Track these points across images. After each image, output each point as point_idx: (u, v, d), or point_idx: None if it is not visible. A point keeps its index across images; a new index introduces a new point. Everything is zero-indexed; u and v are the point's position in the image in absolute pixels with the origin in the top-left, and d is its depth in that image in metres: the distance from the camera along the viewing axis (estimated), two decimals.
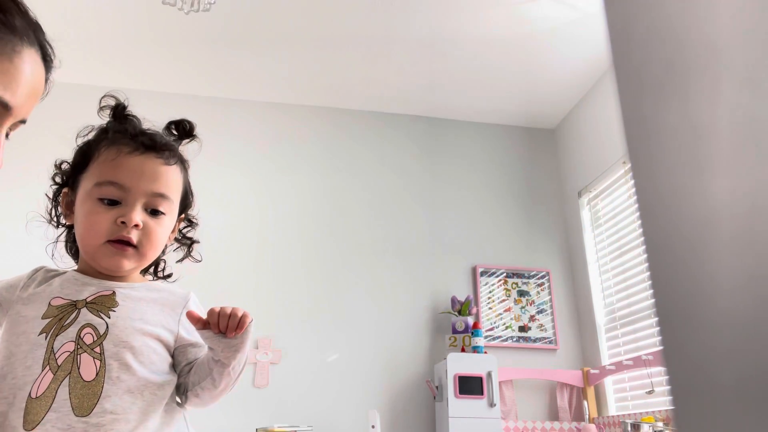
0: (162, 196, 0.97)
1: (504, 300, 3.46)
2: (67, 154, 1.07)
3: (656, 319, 0.31)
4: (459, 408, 2.81)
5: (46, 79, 0.82)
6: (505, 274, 3.51)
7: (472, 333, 3.11)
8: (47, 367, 0.85)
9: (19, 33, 0.71)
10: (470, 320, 3.18)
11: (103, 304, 0.92)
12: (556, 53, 3.26)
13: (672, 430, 2.31)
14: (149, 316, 0.94)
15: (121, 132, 0.99)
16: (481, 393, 2.85)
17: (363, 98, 3.70)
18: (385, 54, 3.30)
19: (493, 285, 3.48)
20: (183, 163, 1.05)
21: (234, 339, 0.90)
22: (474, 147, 3.83)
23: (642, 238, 0.33)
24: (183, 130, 1.07)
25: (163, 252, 1.08)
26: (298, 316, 3.19)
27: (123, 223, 0.92)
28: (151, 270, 1.09)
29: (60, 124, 3.53)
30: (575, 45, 3.19)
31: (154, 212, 0.96)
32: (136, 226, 0.93)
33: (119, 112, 1.05)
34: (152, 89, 3.62)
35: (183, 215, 1.08)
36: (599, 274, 3.34)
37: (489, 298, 3.46)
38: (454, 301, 3.28)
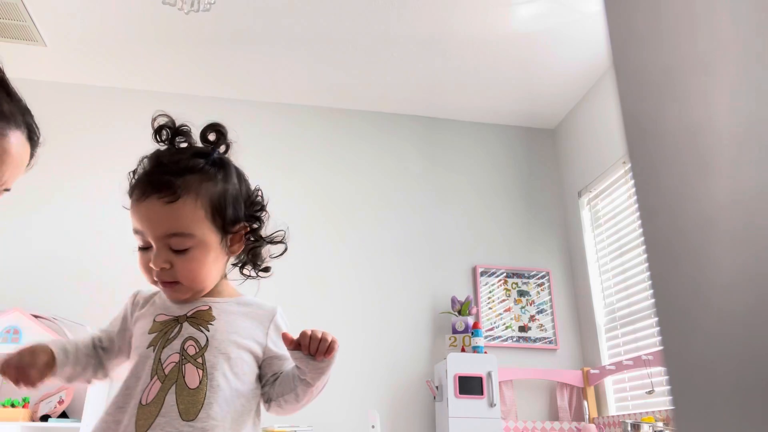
0: (176, 235, 0.95)
1: (504, 300, 3.46)
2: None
3: (656, 319, 0.31)
4: (459, 408, 2.81)
5: (32, 155, 0.91)
6: (505, 274, 3.51)
7: (472, 333, 3.11)
8: (155, 377, 0.92)
9: (7, 117, 0.82)
10: (470, 320, 3.18)
11: (202, 318, 0.99)
12: (556, 53, 3.26)
13: (672, 430, 2.31)
14: (242, 329, 1.00)
15: (134, 175, 1.01)
16: (481, 393, 2.85)
17: (363, 98, 3.70)
18: (385, 54, 3.30)
19: (493, 285, 3.48)
20: (203, 173, 0.99)
21: (321, 362, 0.95)
22: (474, 147, 3.83)
23: (642, 238, 0.32)
24: (215, 137, 1.04)
25: (251, 252, 1.09)
26: (298, 316, 3.18)
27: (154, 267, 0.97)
28: (249, 269, 1.11)
29: (60, 124, 3.54)
30: (575, 45, 3.19)
31: (179, 250, 0.96)
32: (163, 268, 0.96)
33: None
34: (152, 89, 3.62)
35: (240, 225, 1.03)
36: (599, 274, 3.34)
37: (489, 298, 3.46)
38: (454, 301, 3.28)
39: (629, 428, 2.48)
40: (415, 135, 3.81)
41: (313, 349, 0.93)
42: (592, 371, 3.18)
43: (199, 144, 1.05)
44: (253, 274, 1.11)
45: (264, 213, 1.09)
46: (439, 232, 3.57)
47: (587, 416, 3.11)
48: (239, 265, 1.11)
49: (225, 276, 1.08)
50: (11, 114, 0.82)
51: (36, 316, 2.81)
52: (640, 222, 0.32)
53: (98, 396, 2.85)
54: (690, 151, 0.29)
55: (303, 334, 0.93)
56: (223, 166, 1.03)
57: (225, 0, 2.87)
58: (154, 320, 1.00)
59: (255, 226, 1.07)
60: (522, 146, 3.89)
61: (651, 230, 0.31)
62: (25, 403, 2.76)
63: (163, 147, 1.03)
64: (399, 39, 3.18)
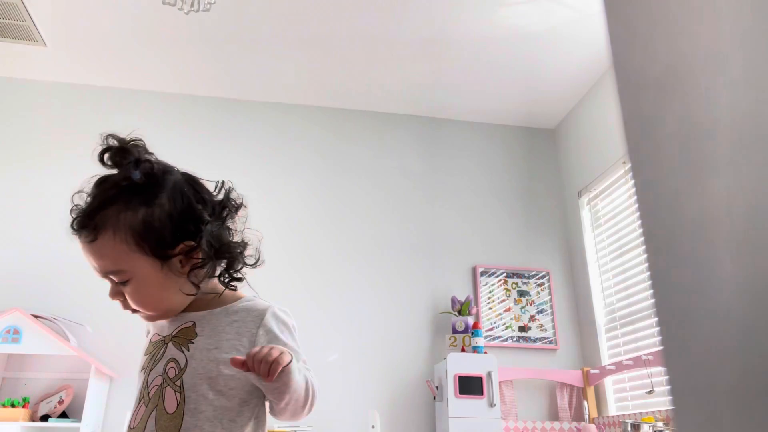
0: (109, 272, 0.93)
1: (504, 300, 3.46)
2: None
3: (656, 319, 0.31)
4: (459, 408, 2.81)
5: None
6: (505, 274, 3.51)
7: (472, 333, 3.11)
8: (142, 401, 0.94)
9: None
10: (470, 320, 3.18)
11: (184, 337, 0.97)
12: (556, 53, 3.26)
13: (672, 430, 2.31)
14: (224, 342, 0.96)
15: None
16: (481, 393, 2.85)
17: (363, 98, 3.70)
18: (385, 54, 3.30)
19: (493, 285, 3.48)
20: (114, 218, 0.91)
21: (273, 383, 0.88)
22: (474, 147, 3.83)
23: (642, 238, 0.32)
24: (124, 156, 0.94)
25: (211, 266, 0.99)
26: (298, 315, 3.18)
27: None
28: (225, 278, 1.02)
29: (60, 124, 3.53)
30: (575, 45, 3.19)
31: (122, 283, 0.94)
32: (119, 300, 0.97)
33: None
34: (152, 89, 3.62)
35: (177, 247, 0.94)
36: (599, 274, 3.34)
37: (489, 298, 3.46)
38: (454, 301, 3.28)
39: (629, 428, 2.48)
40: (415, 135, 3.81)
41: (257, 369, 0.86)
42: (592, 371, 3.18)
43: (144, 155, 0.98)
44: (228, 283, 1.03)
45: (207, 225, 0.96)
46: (439, 232, 3.57)
47: (587, 416, 3.11)
48: (217, 274, 1.02)
49: (211, 285, 1.01)
50: None
51: (36, 316, 2.81)
52: (640, 222, 0.32)
53: (98, 396, 2.85)
54: (690, 151, 0.29)
55: (248, 355, 0.87)
56: (146, 187, 0.93)
57: (225, 0, 2.87)
58: (150, 340, 1.01)
59: (194, 243, 0.95)
60: (522, 146, 3.89)
61: (651, 230, 0.31)
62: (25, 403, 2.76)
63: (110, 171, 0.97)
64: (399, 39, 3.18)
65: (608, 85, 3.36)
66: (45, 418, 2.74)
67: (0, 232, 3.21)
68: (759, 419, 0.24)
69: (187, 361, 0.93)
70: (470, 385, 2.86)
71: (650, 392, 2.68)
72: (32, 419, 2.73)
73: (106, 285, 0.96)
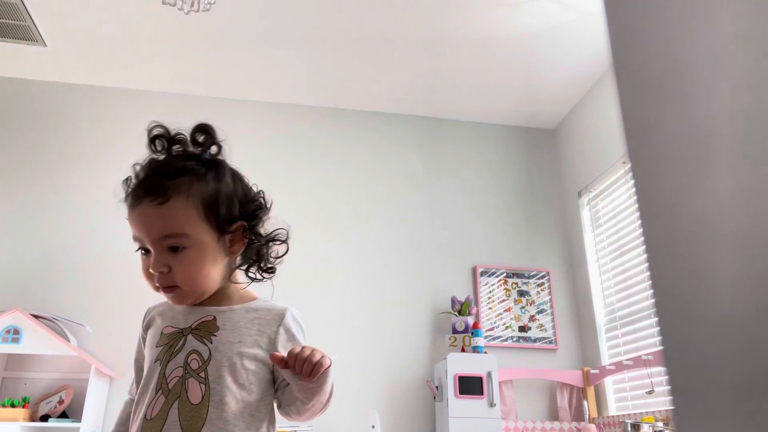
0: (170, 236, 0.95)
1: (504, 300, 3.46)
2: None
3: (656, 319, 0.31)
4: (459, 408, 2.81)
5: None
6: (505, 274, 3.51)
7: (472, 333, 3.11)
8: (159, 391, 0.93)
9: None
10: (470, 320, 3.18)
11: (206, 330, 0.98)
12: (556, 53, 3.26)
13: (672, 430, 2.31)
14: (247, 337, 0.99)
15: (127, 184, 1.01)
16: (481, 393, 2.85)
17: (363, 98, 3.70)
18: (385, 54, 3.30)
19: (493, 285, 3.48)
20: (193, 174, 0.98)
21: (309, 383, 0.92)
22: (474, 147, 3.83)
23: (642, 238, 0.32)
24: (204, 138, 1.02)
25: (255, 253, 1.07)
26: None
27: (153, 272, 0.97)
28: (254, 271, 1.08)
29: (60, 124, 3.54)
30: (575, 45, 3.19)
31: (175, 248, 0.96)
32: (162, 272, 0.96)
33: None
34: (152, 89, 3.62)
35: (234, 224, 1.01)
36: (599, 274, 3.34)
37: (489, 298, 3.46)
38: (454, 301, 3.28)
39: (629, 428, 2.48)
40: (415, 135, 3.80)
41: (299, 369, 0.89)
42: (592, 371, 3.18)
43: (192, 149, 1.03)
44: (258, 276, 1.09)
45: (262, 210, 1.06)
46: (439, 232, 3.57)
47: (587, 416, 3.11)
48: (245, 267, 1.08)
49: (233, 279, 1.06)
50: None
51: (36, 316, 2.81)
52: (640, 222, 0.32)
53: (98, 396, 2.85)
54: (690, 151, 0.29)
55: (290, 353, 0.90)
56: (215, 166, 1.02)
57: (225, 0, 2.87)
58: (162, 332, 1.00)
59: (252, 223, 1.04)
60: (522, 146, 3.89)
61: (651, 230, 0.31)
62: (25, 403, 2.76)
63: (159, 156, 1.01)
64: (399, 39, 3.18)
65: (608, 85, 3.36)
66: (45, 418, 2.74)
67: (0, 233, 3.21)
68: (759, 419, 0.24)
69: (210, 353, 0.95)
70: (470, 385, 2.86)
71: (650, 392, 2.68)
72: (32, 419, 2.73)
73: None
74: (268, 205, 1.10)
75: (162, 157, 1.00)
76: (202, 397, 0.91)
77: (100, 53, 3.33)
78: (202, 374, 0.93)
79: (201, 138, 1.01)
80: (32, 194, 3.29)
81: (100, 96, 3.57)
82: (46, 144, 3.43)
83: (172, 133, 1.01)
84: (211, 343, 0.96)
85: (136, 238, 0.97)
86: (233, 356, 0.95)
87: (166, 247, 0.95)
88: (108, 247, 3.15)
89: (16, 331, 2.71)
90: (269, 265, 1.10)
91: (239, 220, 1.02)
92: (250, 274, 1.08)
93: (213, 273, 0.99)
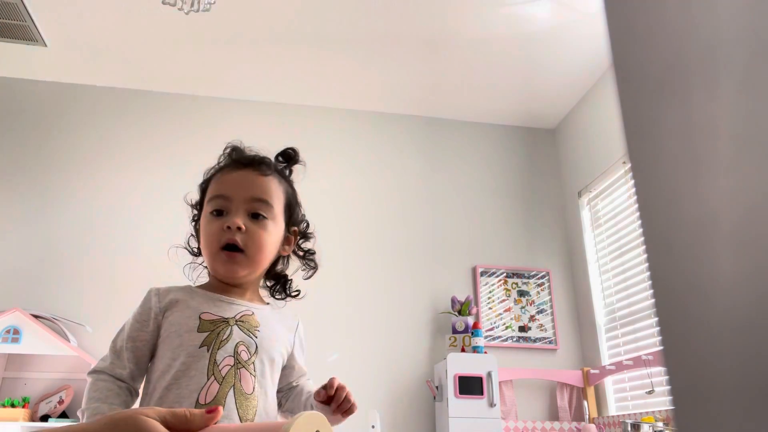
0: (260, 200, 1.04)
1: (504, 300, 3.46)
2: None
3: (656, 319, 0.31)
4: (459, 408, 2.81)
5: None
6: (505, 274, 3.51)
7: (472, 333, 3.11)
8: (212, 377, 0.94)
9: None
10: (470, 320, 3.18)
11: (250, 324, 1.03)
12: (556, 53, 3.26)
13: (672, 430, 2.31)
14: (280, 336, 1.07)
15: (226, 159, 1.14)
16: (481, 393, 2.85)
17: (363, 98, 3.70)
18: (385, 54, 3.30)
19: (493, 285, 3.48)
20: (283, 177, 1.14)
21: (336, 416, 0.99)
22: (474, 147, 3.83)
23: (642, 238, 0.32)
24: (288, 156, 1.18)
25: (284, 265, 1.16)
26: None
27: (229, 228, 1.00)
28: (279, 288, 1.16)
29: (60, 124, 3.53)
30: (575, 45, 3.19)
31: (256, 215, 1.03)
32: (240, 228, 1.00)
33: (234, 152, 1.15)
34: (152, 89, 3.62)
35: (295, 228, 1.15)
36: (599, 274, 3.34)
37: (489, 298, 3.46)
38: (454, 301, 3.28)
39: (629, 428, 2.48)
40: (415, 135, 3.80)
41: (338, 403, 0.97)
42: (592, 371, 3.18)
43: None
44: (278, 295, 1.18)
45: (309, 230, 1.21)
46: (439, 232, 3.57)
47: (587, 416, 3.11)
48: (272, 288, 1.17)
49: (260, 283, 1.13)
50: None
51: (36, 316, 2.81)
52: (640, 222, 0.32)
53: None
54: (690, 151, 0.29)
55: (341, 387, 0.98)
56: (289, 178, 1.18)
57: (225, 0, 2.87)
58: (200, 318, 0.99)
59: (304, 236, 1.19)
60: (522, 146, 3.89)
61: (651, 230, 0.31)
62: (25, 403, 2.76)
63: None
64: (399, 39, 3.18)
65: (608, 85, 3.36)
66: (45, 418, 2.74)
67: (0, 233, 3.21)
68: (759, 419, 0.24)
69: (257, 347, 1.00)
70: (470, 385, 2.86)
71: (650, 392, 2.68)
72: (32, 419, 2.73)
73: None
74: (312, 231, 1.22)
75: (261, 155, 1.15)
76: (253, 388, 0.96)
77: (100, 53, 3.33)
78: (252, 366, 0.98)
79: (289, 157, 1.18)
80: (32, 194, 3.29)
81: (100, 96, 3.57)
82: (46, 144, 3.43)
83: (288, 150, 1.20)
84: (256, 337, 1.01)
85: (219, 197, 1.04)
86: (274, 353, 1.02)
87: (249, 212, 1.03)
88: (108, 247, 3.15)
89: (16, 331, 2.71)
90: (297, 288, 1.19)
91: (298, 226, 1.16)
92: (277, 296, 1.16)
93: (270, 255, 1.07)
